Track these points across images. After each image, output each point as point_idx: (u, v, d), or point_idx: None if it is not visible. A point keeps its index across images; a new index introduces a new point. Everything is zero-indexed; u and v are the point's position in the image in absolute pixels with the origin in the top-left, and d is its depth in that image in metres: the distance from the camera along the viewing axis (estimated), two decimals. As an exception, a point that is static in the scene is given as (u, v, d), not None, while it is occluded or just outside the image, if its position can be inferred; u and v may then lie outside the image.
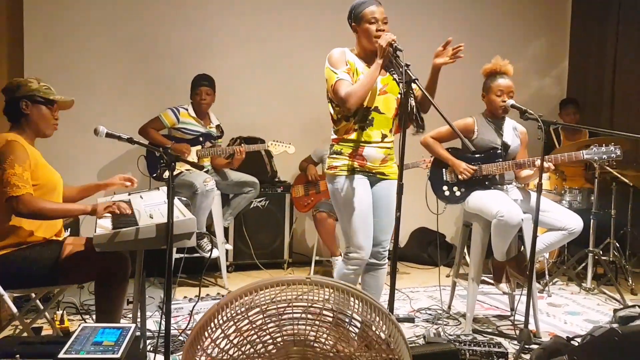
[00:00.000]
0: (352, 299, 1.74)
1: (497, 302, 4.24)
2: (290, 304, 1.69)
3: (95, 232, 2.43)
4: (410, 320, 3.75)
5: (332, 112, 2.93)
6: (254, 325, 1.71)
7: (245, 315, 1.69)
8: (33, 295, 2.97)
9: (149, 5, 5.02)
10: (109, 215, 2.67)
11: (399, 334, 1.80)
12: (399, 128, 2.89)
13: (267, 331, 1.73)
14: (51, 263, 2.63)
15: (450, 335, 3.42)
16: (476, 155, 3.57)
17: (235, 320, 1.69)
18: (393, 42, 2.67)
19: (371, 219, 2.91)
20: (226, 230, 4.78)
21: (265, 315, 1.69)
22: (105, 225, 2.53)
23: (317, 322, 1.74)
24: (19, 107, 2.73)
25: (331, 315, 1.74)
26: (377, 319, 1.75)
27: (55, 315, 3.33)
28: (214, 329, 1.70)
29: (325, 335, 1.77)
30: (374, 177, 2.94)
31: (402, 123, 2.59)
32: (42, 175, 2.70)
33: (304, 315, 1.72)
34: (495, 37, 5.84)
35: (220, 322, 1.69)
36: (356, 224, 2.87)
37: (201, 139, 4.52)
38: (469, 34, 5.83)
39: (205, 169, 4.49)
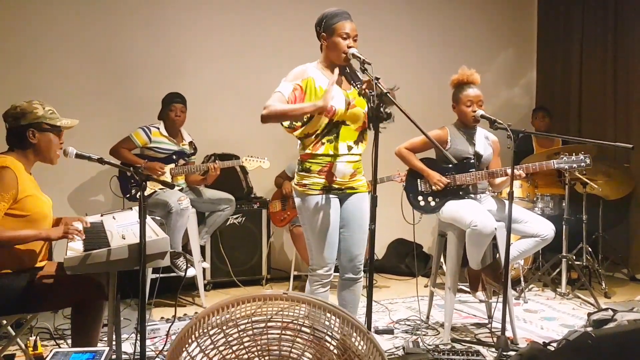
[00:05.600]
0: (328, 314, 1.74)
1: (475, 311, 4.27)
2: (267, 322, 1.68)
3: (65, 254, 2.39)
4: (390, 332, 3.75)
5: (295, 134, 2.92)
6: (228, 340, 1.69)
7: (221, 329, 1.68)
8: (4, 322, 2.91)
9: (118, 23, 4.98)
10: (71, 237, 2.62)
11: (376, 350, 1.80)
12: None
13: (244, 346, 1.72)
14: (20, 292, 2.56)
15: (429, 345, 3.44)
16: (450, 166, 3.60)
17: (211, 335, 1.67)
18: (358, 57, 2.71)
19: (336, 237, 2.91)
20: (203, 248, 4.75)
21: (239, 330, 1.68)
22: (76, 247, 2.49)
23: (295, 339, 1.73)
24: (25, 136, 2.67)
25: (308, 331, 1.74)
26: (354, 334, 1.75)
27: (28, 342, 3.24)
28: (190, 343, 1.68)
29: (302, 352, 1.76)
30: (344, 193, 2.94)
31: (375, 136, 2.61)
32: (31, 206, 2.63)
33: (281, 332, 1.71)
34: (464, 47, 5.93)
35: (196, 335, 1.67)
36: (321, 243, 2.87)
37: (174, 156, 4.49)
38: (438, 45, 5.94)
39: (179, 187, 4.46)
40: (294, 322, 1.71)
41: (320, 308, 1.74)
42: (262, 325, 1.69)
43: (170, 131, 4.50)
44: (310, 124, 2.87)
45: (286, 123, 2.91)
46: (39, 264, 2.76)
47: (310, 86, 2.86)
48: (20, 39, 4.73)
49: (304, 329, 1.74)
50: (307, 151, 2.90)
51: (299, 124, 2.89)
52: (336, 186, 2.90)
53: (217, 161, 4.65)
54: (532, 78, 6.50)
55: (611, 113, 5.57)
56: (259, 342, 1.71)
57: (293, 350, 1.74)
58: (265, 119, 2.79)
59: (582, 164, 3.48)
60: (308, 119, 2.87)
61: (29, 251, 2.69)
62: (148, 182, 2.41)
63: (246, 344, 1.71)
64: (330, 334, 1.75)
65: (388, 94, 2.58)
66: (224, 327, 1.68)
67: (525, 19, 6.44)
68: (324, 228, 2.86)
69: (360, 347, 1.76)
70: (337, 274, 3.06)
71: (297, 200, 2.95)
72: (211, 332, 1.69)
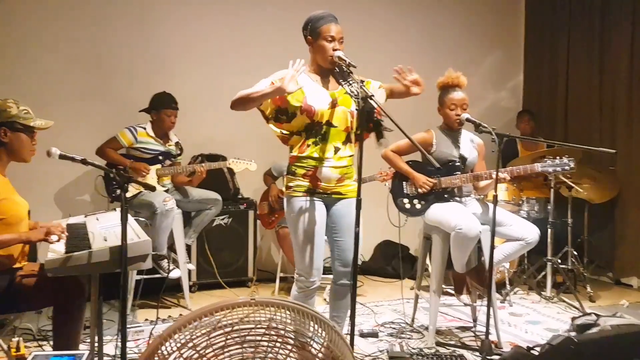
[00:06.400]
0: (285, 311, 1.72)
1: (460, 314, 4.28)
2: (233, 329, 1.66)
3: (47, 257, 2.37)
4: (374, 335, 3.75)
5: (282, 131, 2.92)
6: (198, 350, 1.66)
7: (190, 338, 1.65)
8: (-15, 323, 2.89)
9: (104, 22, 4.94)
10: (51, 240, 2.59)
11: (339, 338, 1.79)
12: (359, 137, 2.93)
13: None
14: (3, 292, 2.55)
15: (414, 348, 3.44)
16: (435, 168, 3.61)
17: (180, 349, 1.65)
18: (343, 60, 2.71)
19: (321, 241, 2.89)
20: (189, 249, 4.73)
21: (210, 339, 1.66)
22: (57, 249, 2.47)
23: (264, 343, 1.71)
24: None
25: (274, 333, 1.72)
26: (316, 326, 1.74)
27: (10, 343, 3.22)
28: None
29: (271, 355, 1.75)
30: (330, 198, 2.93)
31: (361, 139, 2.62)
32: (6, 209, 2.60)
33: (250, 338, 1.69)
34: (452, 50, 5.95)
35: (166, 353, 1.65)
36: (304, 247, 2.85)
37: (161, 157, 4.46)
38: (426, 48, 5.95)
39: (165, 188, 4.44)
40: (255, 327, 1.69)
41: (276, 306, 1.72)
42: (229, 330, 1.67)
43: (158, 132, 4.47)
44: (293, 121, 2.86)
45: (277, 129, 2.90)
46: (17, 265, 2.74)
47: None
48: (7, 39, 4.68)
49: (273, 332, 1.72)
50: (294, 154, 2.91)
51: (284, 117, 2.87)
52: (321, 190, 2.89)
53: (204, 162, 4.64)
54: (519, 81, 6.52)
55: (597, 117, 5.60)
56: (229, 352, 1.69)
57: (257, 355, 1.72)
58: (232, 104, 2.80)
59: (566, 167, 3.50)
60: (290, 117, 2.85)
61: (6, 253, 2.66)
62: (129, 183, 2.38)
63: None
64: (284, 328, 1.73)
65: (372, 98, 2.58)
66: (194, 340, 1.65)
67: (513, 22, 6.46)
68: (308, 231, 2.85)
69: (322, 337, 1.75)
70: (327, 275, 3.05)
71: (285, 203, 2.95)
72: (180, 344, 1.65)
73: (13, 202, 2.67)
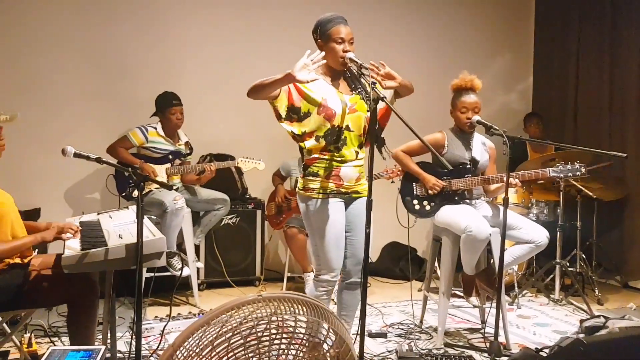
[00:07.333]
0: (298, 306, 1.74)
1: (468, 316, 4.29)
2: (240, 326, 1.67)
3: (63, 253, 2.40)
4: (383, 335, 3.76)
5: (293, 131, 2.88)
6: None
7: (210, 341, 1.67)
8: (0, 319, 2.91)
9: (115, 23, 4.98)
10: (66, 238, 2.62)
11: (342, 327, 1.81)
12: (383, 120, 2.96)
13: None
14: (15, 289, 2.57)
15: (422, 349, 3.45)
16: (446, 170, 3.62)
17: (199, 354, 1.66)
18: (355, 62, 2.72)
19: (342, 242, 2.93)
20: (197, 248, 4.75)
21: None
22: (73, 246, 2.50)
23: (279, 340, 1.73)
24: None
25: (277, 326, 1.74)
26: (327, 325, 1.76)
27: (22, 339, 3.25)
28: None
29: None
30: (349, 197, 2.95)
31: (371, 139, 2.63)
32: None
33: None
34: (461, 53, 5.95)
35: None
36: (328, 247, 2.88)
37: (170, 156, 4.49)
38: (436, 50, 5.97)
39: (175, 187, 4.47)
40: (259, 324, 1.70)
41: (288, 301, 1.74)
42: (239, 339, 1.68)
43: (168, 132, 4.50)
44: (305, 120, 2.86)
45: (289, 128, 2.88)
46: (26, 259, 2.77)
47: (306, 87, 2.85)
48: (17, 39, 4.72)
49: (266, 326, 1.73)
50: (314, 155, 2.91)
51: (295, 117, 2.87)
52: (343, 190, 2.91)
53: (213, 162, 4.66)
54: (529, 84, 6.52)
55: (607, 120, 5.60)
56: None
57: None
58: (248, 92, 2.76)
59: (578, 172, 3.50)
60: (302, 116, 2.85)
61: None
62: (145, 182, 2.41)
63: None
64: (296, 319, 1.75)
65: (384, 99, 2.59)
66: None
67: (523, 24, 6.46)
68: (332, 232, 2.87)
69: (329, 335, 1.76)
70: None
71: (301, 206, 2.95)
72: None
73: None
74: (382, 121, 2.97)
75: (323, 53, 2.72)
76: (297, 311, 1.74)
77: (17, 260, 2.71)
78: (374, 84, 2.61)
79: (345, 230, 2.96)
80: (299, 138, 2.91)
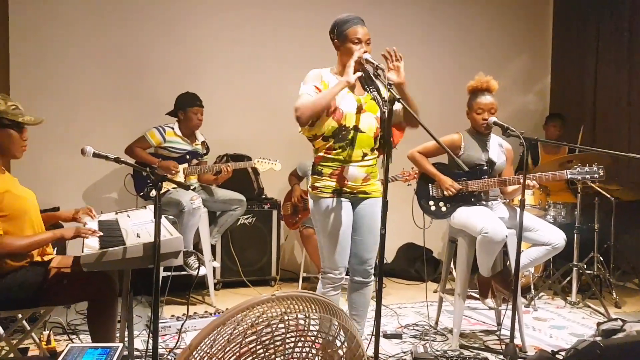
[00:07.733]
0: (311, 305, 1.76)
1: (484, 317, 4.27)
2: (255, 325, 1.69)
3: (82, 252, 2.44)
4: (398, 336, 3.76)
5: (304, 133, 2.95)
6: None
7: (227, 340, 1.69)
8: (19, 316, 2.96)
9: (135, 24, 5.04)
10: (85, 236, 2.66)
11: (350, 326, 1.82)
12: (396, 137, 2.96)
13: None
14: (36, 286, 2.61)
15: (438, 351, 3.45)
16: (462, 172, 3.61)
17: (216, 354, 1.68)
18: (371, 62, 2.73)
19: (348, 241, 2.94)
20: (213, 247, 4.79)
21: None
22: (92, 245, 2.53)
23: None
24: None
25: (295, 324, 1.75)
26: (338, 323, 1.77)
27: (41, 336, 3.30)
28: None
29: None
30: (356, 197, 2.96)
31: (386, 140, 2.63)
32: (8, 205, 2.60)
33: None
34: (478, 53, 5.93)
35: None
36: (332, 246, 2.91)
37: (188, 156, 4.53)
38: (452, 52, 5.95)
39: (192, 187, 4.50)
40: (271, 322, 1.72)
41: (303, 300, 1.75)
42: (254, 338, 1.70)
43: (185, 132, 4.54)
44: (316, 125, 2.89)
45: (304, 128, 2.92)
46: (46, 257, 2.82)
47: (325, 87, 2.88)
48: (39, 40, 4.79)
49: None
50: (320, 154, 2.94)
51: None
52: (347, 190, 2.92)
53: (230, 162, 4.69)
54: (547, 84, 6.48)
55: (625, 121, 5.54)
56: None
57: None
58: (300, 116, 2.77)
59: (595, 175, 3.47)
60: (315, 120, 2.88)
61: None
62: (163, 182, 2.44)
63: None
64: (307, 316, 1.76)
65: (400, 100, 2.59)
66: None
67: (541, 25, 6.42)
68: (335, 231, 2.89)
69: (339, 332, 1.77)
70: (347, 276, 3.09)
71: (310, 205, 2.99)
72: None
73: (15, 196, 2.66)
74: (395, 139, 2.97)
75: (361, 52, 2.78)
76: (308, 309, 1.75)
77: (38, 258, 2.76)
78: (390, 85, 2.62)
79: (352, 230, 2.97)
80: (312, 138, 2.95)
